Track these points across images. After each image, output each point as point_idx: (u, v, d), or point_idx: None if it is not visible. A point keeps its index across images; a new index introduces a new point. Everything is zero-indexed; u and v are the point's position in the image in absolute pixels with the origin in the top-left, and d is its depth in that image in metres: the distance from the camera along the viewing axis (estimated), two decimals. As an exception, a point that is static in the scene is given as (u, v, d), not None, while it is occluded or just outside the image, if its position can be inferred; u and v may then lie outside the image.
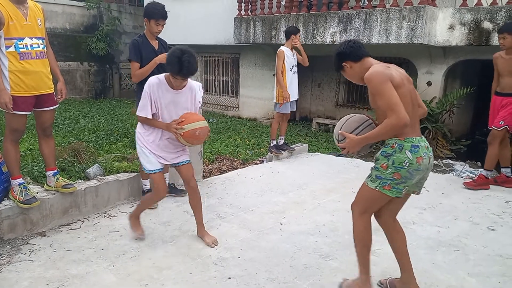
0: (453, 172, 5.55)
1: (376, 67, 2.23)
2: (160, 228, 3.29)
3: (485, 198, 4.18)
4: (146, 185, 3.84)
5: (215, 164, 5.95)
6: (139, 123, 3.00)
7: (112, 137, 7.04)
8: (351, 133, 2.32)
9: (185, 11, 10.49)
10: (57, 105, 3.22)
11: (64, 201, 3.27)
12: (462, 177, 5.29)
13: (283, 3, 8.42)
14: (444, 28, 6.58)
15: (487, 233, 3.34)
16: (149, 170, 2.92)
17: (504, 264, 2.82)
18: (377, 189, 2.27)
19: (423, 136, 2.32)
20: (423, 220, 3.58)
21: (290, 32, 5.51)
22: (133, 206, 3.71)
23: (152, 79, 2.85)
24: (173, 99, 2.88)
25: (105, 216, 3.47)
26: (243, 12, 9.08)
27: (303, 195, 4.21)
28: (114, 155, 5.78)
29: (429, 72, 7.35)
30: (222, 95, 11.31)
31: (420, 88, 7.40)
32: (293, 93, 5.51)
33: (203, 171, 5.11)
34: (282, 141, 5.87)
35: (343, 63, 2.37)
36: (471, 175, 5.46)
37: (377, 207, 2.38)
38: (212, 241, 3.03)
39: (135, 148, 6.30)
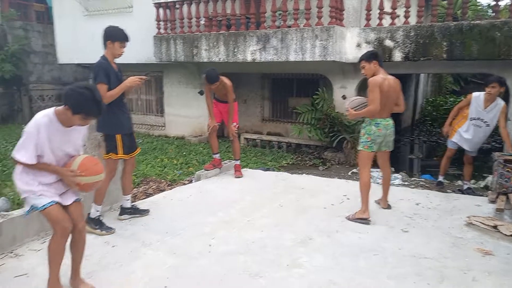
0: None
1: (377, 77, 3.88)
2: (76, 264, 3.00)
3: (398, 201, 4.53)
4: (98, 211, 3.60)
5: (141, 187, 5.69)
6: (18, 169, 2.49)
7: (21, 167, 6.38)
8: (353, 108, 4.00)
9: (100, 29, 10.04)
10: None
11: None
12: (378, 183, 5.68)
13: (202, 22, 8.48)
14: (352, 46, 7.13)
15: (402, 235, 3.60)
16: (44, 205, 2.42)
17: (417, 264, 3.05)
18: (361, 149, 4.01)
19: (387, 118, 3.99)
20: (345, 228, 3.75)
21: (487, 81, 4.84)
22: (45, 242, 3.36)
23: (42, 119, 2.41)
24: (64, 137, 2.50)
25: (11, 257, 3.08)
26: (162, 31, 8.95)
27: (232, 214, 4.17)
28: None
29: (343, 86, 7.88)
30: (147, 114, 10.96)
31: (336, 102, 7.88)
32: (469, 143, 5.07)
33: (126, 197, 4.84)
34: (466, 186, 5.32)
35: (374, 60, 3.93)
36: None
37: (370, 162, 4.01)
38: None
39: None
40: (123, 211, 3.97)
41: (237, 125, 5.71)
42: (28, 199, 2.48)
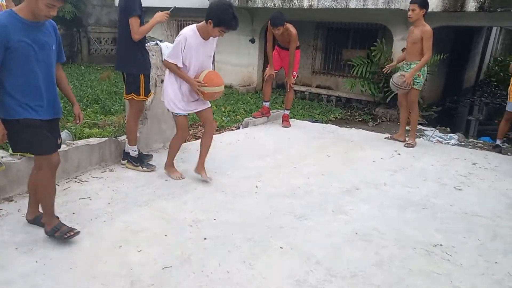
0: (424, 137, 5.71)
1: (430, 28, 4.34)
2: (134, 192, 3.23)
3: (453, 160, 4.33)
4: (135, 151, 3.71)
5: (190, 130, 5.86)
6: (167, 72, 3.24)
7: (81, 104, 6.78)
8: (400, 81, 4.59)
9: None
10: None
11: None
12: (432, 142, 5.45)
13: (259, -36, 8.13)
14: (420, -7, 6.54)
15: (454, 193, 3.48)
16: (179, 113, 3.31)
17: (469, 222, 2.96)
18: (417, 89, 4.66)
19: None
20: (394, 182, 3.68)
21: None
22: (105, 171, 3.63)
23: (188, 32, 3.09)
24: (202, 48, 3.18)
25: (75, 181, 3.37)
26: (217, -27, 8.71)
27: (279, 160, 4.22)
28: (84, 122, 5.59)
29: (405, 38, 7.33)
30: (197, 62, 11.02)
31: (395, 55, 7.43)
32: None
33: (178, 137, 5.02)
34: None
35: (424, 9, 4.28)
36: (440, 139, 5.64)
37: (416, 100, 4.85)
38: (208, 176, 3.51)
39: (105, 115, 6.19)
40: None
41: (296, 75, 5.52)
42: (169, 101, 3.29)
